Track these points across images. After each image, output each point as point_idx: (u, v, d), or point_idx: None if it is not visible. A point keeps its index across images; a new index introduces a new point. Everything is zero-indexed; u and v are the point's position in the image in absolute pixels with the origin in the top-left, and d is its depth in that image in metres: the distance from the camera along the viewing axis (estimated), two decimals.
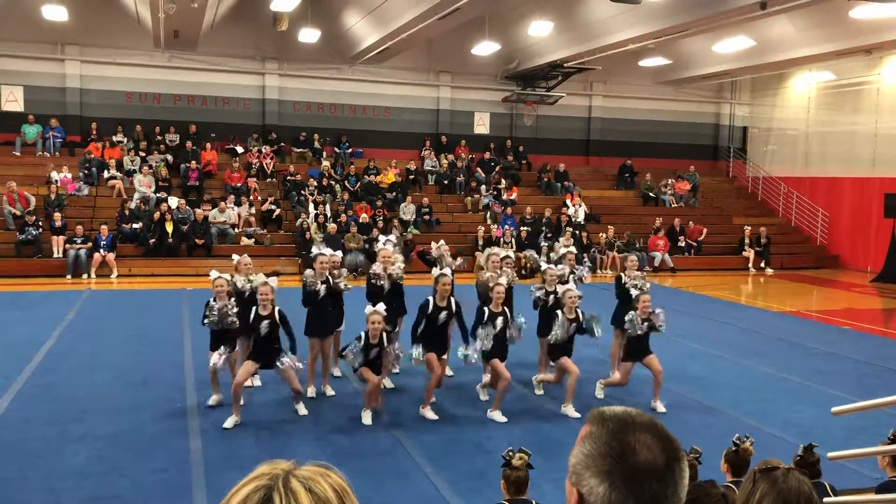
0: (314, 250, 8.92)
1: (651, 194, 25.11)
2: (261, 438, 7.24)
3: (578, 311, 8.47)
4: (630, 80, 26.02)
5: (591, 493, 1.31)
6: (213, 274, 8.32)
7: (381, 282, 8.71)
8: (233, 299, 8.14)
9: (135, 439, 7.11)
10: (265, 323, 7.53)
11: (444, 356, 8.38)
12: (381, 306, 7.74)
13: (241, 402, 7.69)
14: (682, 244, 22.61)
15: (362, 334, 7.66)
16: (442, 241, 9.54)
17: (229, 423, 7.45)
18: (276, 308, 7.69)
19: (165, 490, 6.05)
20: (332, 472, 1.03)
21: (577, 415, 8.07)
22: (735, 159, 28.13)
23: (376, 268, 8.80)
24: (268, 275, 8.12)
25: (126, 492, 5.99)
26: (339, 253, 9.31)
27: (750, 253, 22.55)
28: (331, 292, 8.58)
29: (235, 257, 9.35)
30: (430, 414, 8.03)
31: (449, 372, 9.35)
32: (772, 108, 27.00)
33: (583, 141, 26.83)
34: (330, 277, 8.61)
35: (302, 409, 7.95)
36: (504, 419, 8.01)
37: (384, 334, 7.75)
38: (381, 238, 9.84)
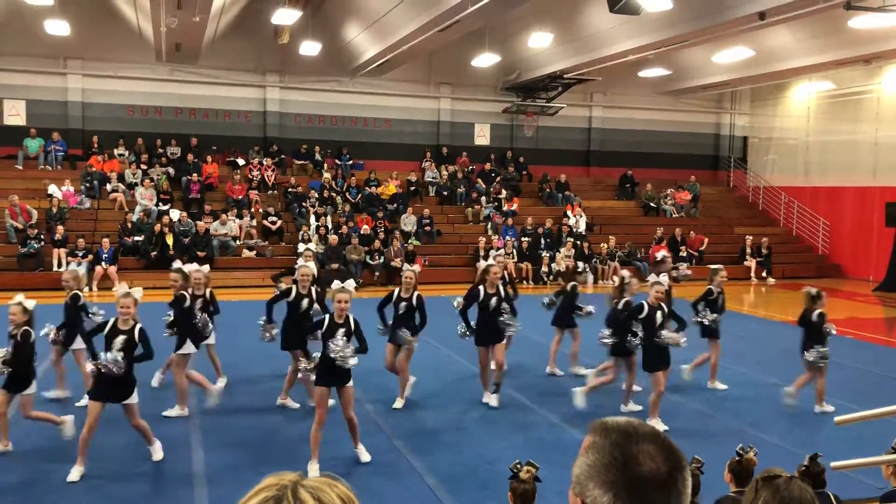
0: (299, 262, 9.11)
1: (652, 204, 25.13)
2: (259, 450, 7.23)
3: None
4: (630, 91, 26.09)
5: (595, 503, 1.32)
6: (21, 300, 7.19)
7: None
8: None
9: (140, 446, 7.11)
10: (120, 339, 6.57)
11: (502, 342, 8.95)
12: (350, 282, 7.22)
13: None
14: (684, 254, 22.60)
15: (326, 317, 7.04)
16: (416, 267, 9.56)
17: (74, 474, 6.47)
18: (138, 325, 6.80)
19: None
20: (338, 482, 1.05)
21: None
22: (735, 169, 28.17)
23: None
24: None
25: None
26: (311, 265, 9.17)
27: (751, 263, 22.54)
28: (310, 305, 8.58)
29: (186, 267, 9.16)
30: (493, 401, 8.79)
31: (582, 371, 10.15)
32: (772, 118, 27.06)
33: (583, 152, 26.88)
34: (313, 290, 8.59)
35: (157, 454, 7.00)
36: (496, 404, 8.73)
37: (350, 316, 6.99)
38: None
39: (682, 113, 27.42)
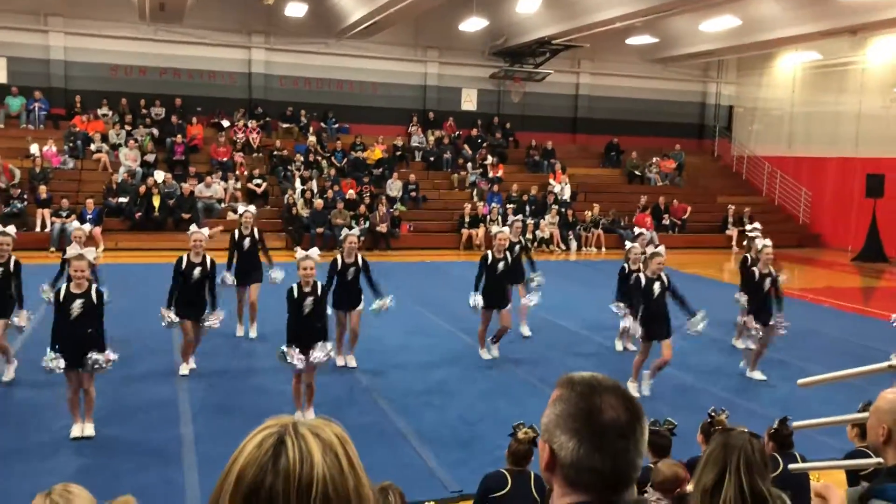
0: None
1: (636, 172, 25.27)
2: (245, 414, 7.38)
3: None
4: (617, 58, 26.07)
5: (562, 448, 1.47)
6: None
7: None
8: None
9: (124, 406, 7.22)
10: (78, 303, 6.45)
11: (507, 308, 9.38)
12: (314, 251, 7.30)
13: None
14: (667, 222, 22.82)
15: (294, 286, 7.08)
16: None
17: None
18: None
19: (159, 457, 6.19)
20: (332, 422, 1.18)
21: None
22: (720, 138, 28.32)
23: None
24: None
25: (118, 460, 6.11)
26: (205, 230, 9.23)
27: (733, 232, 22.79)
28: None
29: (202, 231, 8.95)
30: (486, 355, 9.34)
31: (527, 332, 10.61)
32: (757, 88, 27.15)
33: (570, 119, 26.91)
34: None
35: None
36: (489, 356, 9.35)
37: (317, 283, 7.15)
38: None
39: (669, 81, 27.45)
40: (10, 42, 20.92)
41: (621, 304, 9.61)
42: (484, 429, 7.09)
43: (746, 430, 2.52)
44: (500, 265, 9.24)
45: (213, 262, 8.46)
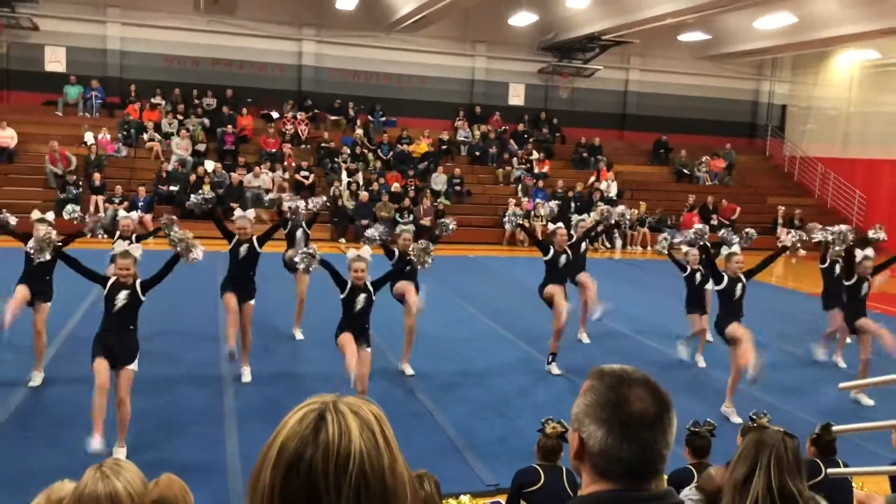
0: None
1: (685, 171, 24.94)
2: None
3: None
4: (668, 55, 25.73)
5: (591, 437, 1.51)
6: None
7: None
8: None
9: (171, 389, 7.41)
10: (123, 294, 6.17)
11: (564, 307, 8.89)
12: (366, 250, 7.09)
13: None
14: (715, 222, 22.46)
15: (347, 282, 6.92)
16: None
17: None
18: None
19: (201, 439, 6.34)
20: (371, 402, 1.23)
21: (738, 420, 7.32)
22: (772, 138, 27.78)
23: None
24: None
25: (162, 441, 6.28)
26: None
27: (783, 233, 22.34)
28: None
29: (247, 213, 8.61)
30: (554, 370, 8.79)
31: (585, 339, 10.30)
32: (812, 87, 26.55)
33: (618, 115, 26.65)
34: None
35: None
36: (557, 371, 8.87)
37: (367, 283, 6.92)
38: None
39: (721, 79, 27.00)
40: (70, 32, 21.49)
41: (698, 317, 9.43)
42: (522, 423, 7.10)
43: (782, 430, 2.52)
44: (562, 259, 8.93)
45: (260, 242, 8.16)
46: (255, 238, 8.15)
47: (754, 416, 5.13)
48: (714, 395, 8.19)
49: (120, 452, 5.82)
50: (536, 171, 22.90)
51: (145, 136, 20.80)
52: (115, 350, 6.02)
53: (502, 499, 4.85)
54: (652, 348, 10.21)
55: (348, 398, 1.22)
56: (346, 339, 6.77)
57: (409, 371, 8.49)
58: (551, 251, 8.93)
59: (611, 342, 10.44)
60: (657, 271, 17.24)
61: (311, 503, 1.13)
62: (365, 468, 1.14)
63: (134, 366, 6.12)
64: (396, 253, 8.31)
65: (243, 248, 8.09)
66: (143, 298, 6.24)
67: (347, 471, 1.13)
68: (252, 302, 8.18)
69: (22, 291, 7.58)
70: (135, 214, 9.87)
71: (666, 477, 4.34)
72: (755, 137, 28.15)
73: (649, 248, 21.12)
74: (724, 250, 8.14)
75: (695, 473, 4.62)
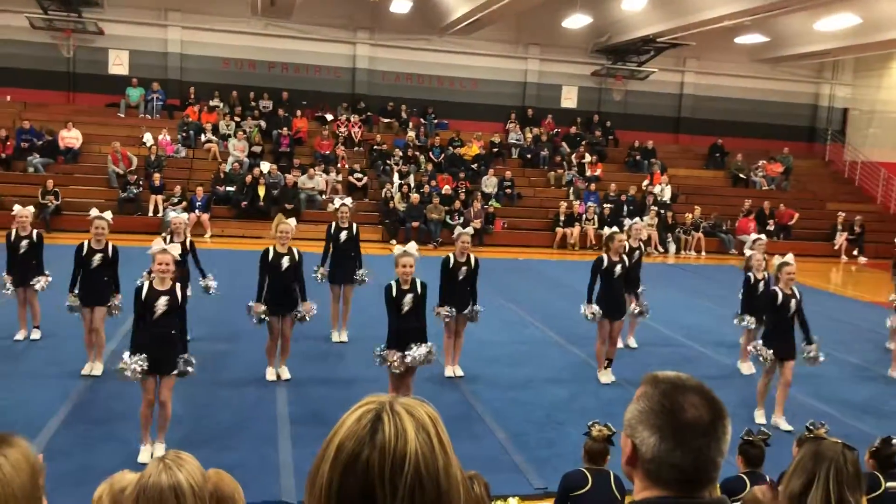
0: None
1: (741, 175, 24.48)
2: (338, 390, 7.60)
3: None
4: (725, 58, 25.30)
5: (644, 443, 1.51)
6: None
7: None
8: None
9: (224, 388, 7.57)
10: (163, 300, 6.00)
11: (621, 319, 8.69)
12: (412, 245, 6.98)
13: None
14: (772, 228, 22.01)
15: (392, 283, 6.78)
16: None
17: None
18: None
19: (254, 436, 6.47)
20: (426, 403, 1.26)
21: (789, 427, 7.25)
22: (832, 142, 27.07)
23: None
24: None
25: (214, 437, 6.42)
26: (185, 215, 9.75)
27: (842, 240, 21.78)
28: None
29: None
30: (605, 377, 8.58)
31: (633, 343, 10.16)
32: (876, 90, 25.81)
33: (673, 118, 26.30)
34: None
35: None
36: (606, 380, 8.64)
37: (416, 280, 6.77)
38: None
39: (779, 82, 26.43)
40: (133, 36, 22.12)
41: (748, 317, 9.08)
42: (571, 428, 7.08)
43: (840, 442, 2.45)
44: (618, 269, 8.41)
45: (299, 253, 8.12)
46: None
47: (811, 427, 5.02)
48: (768, 404, 8.03)
49: (159, 448, 5.86)
50: (588, 174, 22.72)
51: (203, 138, 21.26)
52: (159, 358, 5.90)
53: (550, 503, 4.84)
54: (705, 356, 10.06)
55: (404, 399, 1.25)
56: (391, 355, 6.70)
57: (459, 373, 8.51)
58: (605, 261, 8.43)
59: (663, 349, 10.32)
60: (711, 277, 16.97)
61: (366, 502, 1.16)
62: (420, 469, 1.16)
63: (178, 370, 6.02)
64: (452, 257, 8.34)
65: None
66: (181, 304, 6.04)
67: (403, 471, 1.16)
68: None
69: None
70: (184, 216, 9.87)
71: (718, 485, 4.28)
72: (814, 141, 27.47)
73: (703, 252, 20.80)
74: (777, 259, 7.77)
75: (747, 482, 4.56)
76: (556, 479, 4.84)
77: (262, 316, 7.86)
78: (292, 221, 8.41)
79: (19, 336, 8.89)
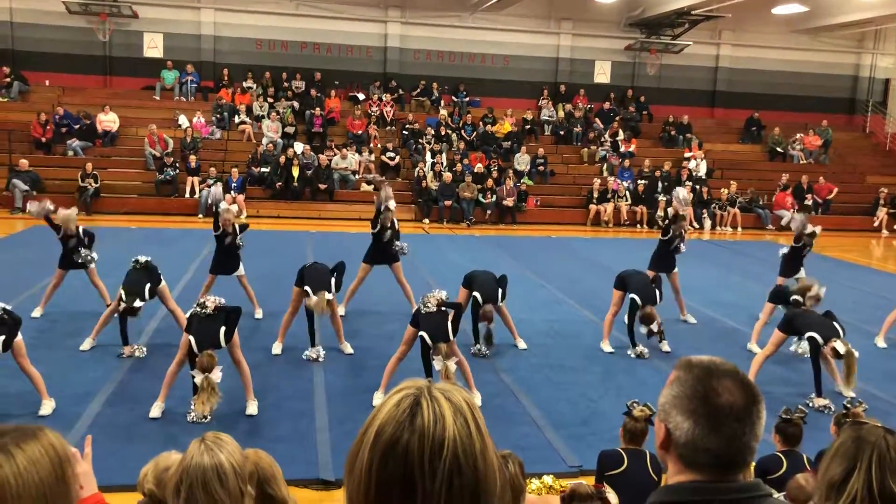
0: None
1: (779, 149, 24.06)
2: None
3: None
4: (762, 29, 24.79)
5: (677, 428, 1.53)
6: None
7: None
8: None
9: (263, 365, 7.70)
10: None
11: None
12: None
13: None
14: (809, 202, 21.65)
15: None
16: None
17: None
18: None
19: (292, 415, 6.59)
20: (462, 388, 1.30)
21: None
22: (873, 114, 26.44)
23: None
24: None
25: (256, 415, 6.56)
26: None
27: (882, 214, 21.34)
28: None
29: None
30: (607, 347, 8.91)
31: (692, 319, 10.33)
32: None
33: (708, 92, 25.88)
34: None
35: None
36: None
37: None
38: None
39: (818, 53, 25.84)
40: (167, 19, 22.31)
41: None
42: (605, 406, 7.10)
43: (881, 425, 2.39)
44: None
45: None
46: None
47: (849, 406, 5.00)
48: (805, 384, 7.96)
49: (252, 406, 6.60)
50: (623, 150, 22.50)
51: (237, 119, 21.44)
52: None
53: (586, 480, 4.88)
54: (741, 332, 9.98)
55: (441, 384, 1.28)
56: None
57: (522, 345, 8.89)
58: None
59: (700, 328, 10.25)
60: (747, 253, 16.78)
61: (405, 485, 1.19)
62: (458, 454, 1.19)
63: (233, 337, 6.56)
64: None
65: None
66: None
67: (442, 456, 1.19)
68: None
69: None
70: (233, 208, 10.26)
71: (754, 463, 4.28)
72: (854, 113, 26.85)
73: (739, 228, 20.54)
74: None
75: (784, 461, 4.55)
76: (590, 457, 4.87)
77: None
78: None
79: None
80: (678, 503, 1.54)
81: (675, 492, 1.57)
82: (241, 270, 9.55)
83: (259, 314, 9.58)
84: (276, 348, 8.32)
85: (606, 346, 8.92)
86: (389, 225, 9.70)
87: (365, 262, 9.82)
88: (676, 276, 10.18)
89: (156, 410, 6.43)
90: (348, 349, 8.41)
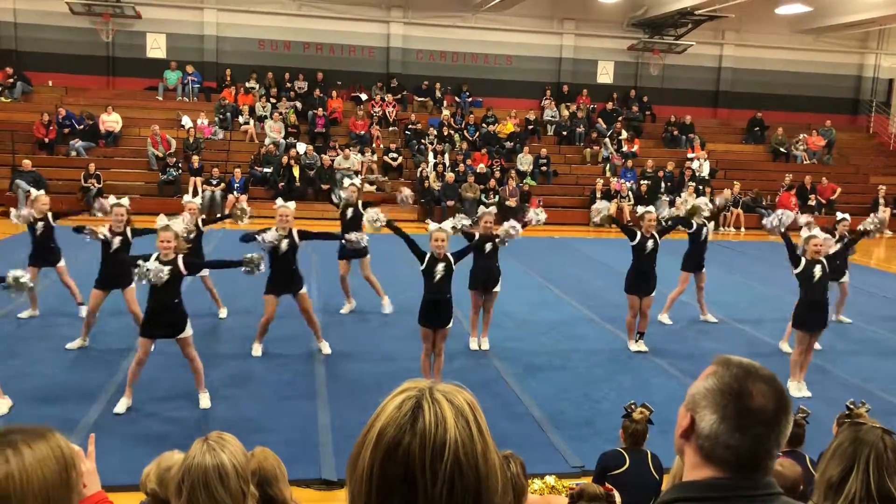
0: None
1: (782, 149, 24.02)
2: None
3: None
4: (765, 29, 24.75)
5: (704, 419, 1.55)
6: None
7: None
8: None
9: (262, 362, 7.71)
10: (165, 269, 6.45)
11: (652, 294, 8.87)
12: (447, 223, 7.38)
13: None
14: (813, 203, 21.61)
15: (428, 253, 7.06)
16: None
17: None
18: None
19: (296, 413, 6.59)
20: (464, 389, 1.29)
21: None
22: (877, 114, 26.40)
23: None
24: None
25: (255, 414, 6.56)
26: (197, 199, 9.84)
27: (885, 213, 21.26)
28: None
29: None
30: (635, 346, 8.85)
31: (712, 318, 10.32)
32: None
33: (711, 92, 25.85)
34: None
35: None
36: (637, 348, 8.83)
37: (448, 255, 7.06)
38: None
39: (822, 53, 25.80)
40: (170, 19, 22.34)
41: None
42: (607, 406, 7.09)
43: (879, 426, 2.39)
44: (649, 244, 8.64)
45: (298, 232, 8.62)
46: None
47: (851, 406, 4.97)
48: (806, 384, 7.96)
49: (204, 397, 6.65)
50: (625, 150, 22.48)
51: (240, 120, 21.45)
52: (162, 326, 6.56)
53: (587, 481, 4.87)
54: (743, 333, 9.96)
55: (443, 385, 1.27)
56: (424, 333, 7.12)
57: (485, 346, 8.71)
58: (638, 236, 8.73)
59: (703, 327, 10.24)
60: (750, 254, 16.77)
61: (407, 487, 1.19)
62: (459, 456, 1.19)
63: (187, 331, 6.56)
64: (477, 235, 8.40)
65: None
66: (184, 273, 6.58)
67: (443, 459, 1.19)
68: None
69: None
70: (197, 200, 10.09)
71: None
72: (858, 114, 26.81)
73: (742, 229, 20.52)
74: (804, 233, 7.86)
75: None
76: (592, 457, 4.87)
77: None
78: (291, 204, 8.95)
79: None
80: (696, 499, 1.54)
81: (692, 488, 1.56)
82: (206, 272, 9.26)
83: (223, 314, 9.58)
84: (257, 350, 8.23)
85: (633, 346, 8.90)
86: (353, 204, 9.87)
87: (340, 258, 9.94)
88: (704, 276, 10.27)
89: (121, 406, 6.47)
90: (326, 349, 8.35)
